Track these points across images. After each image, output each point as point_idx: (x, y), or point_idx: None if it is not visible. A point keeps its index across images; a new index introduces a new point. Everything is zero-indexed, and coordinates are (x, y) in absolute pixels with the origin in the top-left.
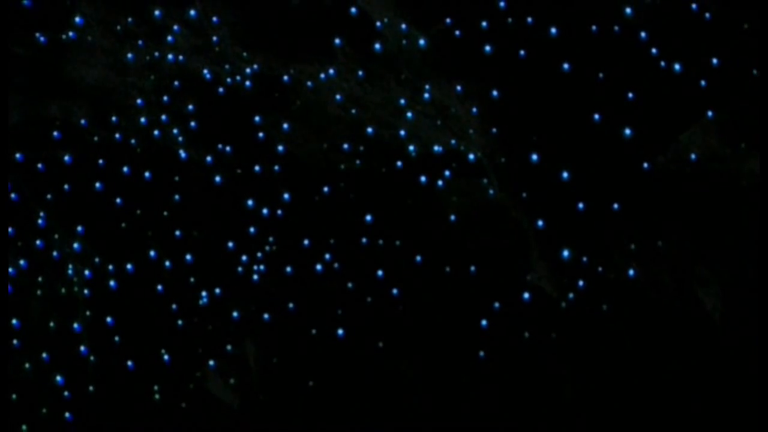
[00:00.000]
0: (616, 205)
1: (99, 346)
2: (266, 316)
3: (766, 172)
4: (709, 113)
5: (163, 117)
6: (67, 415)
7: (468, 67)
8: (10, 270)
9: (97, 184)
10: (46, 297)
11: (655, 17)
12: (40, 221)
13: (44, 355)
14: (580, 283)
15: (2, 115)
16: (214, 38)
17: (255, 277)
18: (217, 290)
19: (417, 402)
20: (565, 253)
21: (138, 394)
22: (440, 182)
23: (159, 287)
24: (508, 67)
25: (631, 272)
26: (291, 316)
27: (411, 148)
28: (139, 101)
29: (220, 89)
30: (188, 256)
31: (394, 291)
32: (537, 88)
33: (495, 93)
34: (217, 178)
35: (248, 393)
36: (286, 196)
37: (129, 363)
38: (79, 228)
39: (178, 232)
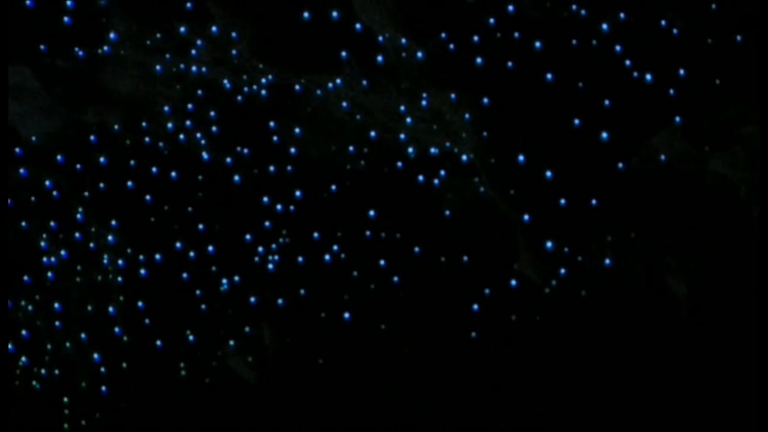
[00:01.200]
0: (594, 201)
1: (131, 328)
2: (280, 301)
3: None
4: (677, 119)
5: (188, 122)
6: (103, 388)
7: (461, 78)
8: (53, 259)
9: (129, 183)
10: (84, 284)
11: (629, 33)
12: (78, 216)
13: (83, 335)
14: (562, 271)
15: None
16: (234, 52)
17: (270, 266)
18: (236, 278)
19: (415, 377)
20: (549, 244)
21: (166, 371)
22: (436, 181)
23: (184, 275)
24: (497, 77)
25: (607, 261)
26: (302, 302)
27: (410, 149)
28: (166, 108)
29: (239, 97)
30: (210, 248)
31: (395, 279)
32: (523, 96)
33: (485, 100)
34: (236, 177)
35: (264, 370)
36: (297, 193)
37: (158, 342)
38: (113, 222)
39: (201, 226)
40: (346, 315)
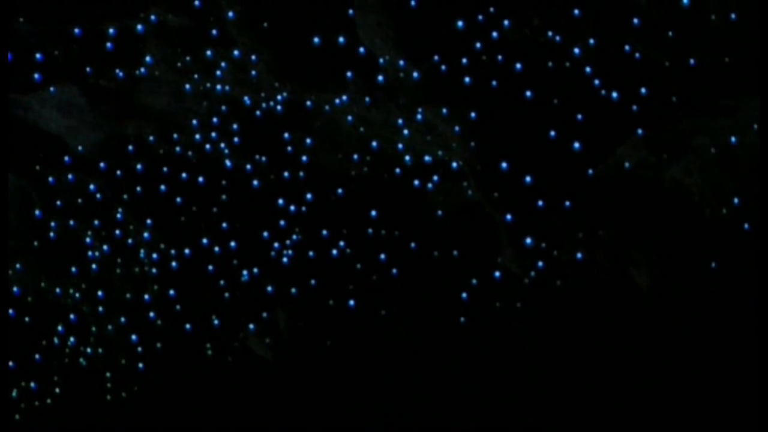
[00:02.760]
0: (567, 203)
1: (164, 313)
2: (294, 290)
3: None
4: (639, 131)
5: (213, 134)
6: (140, 365)
7: (452, 95)
8: (97, 253)
9: (162, 187)
10: (123, 275)
11: (597, 56)
12: (118, 216)
13: (122, 319)
14: (540, 263)
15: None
16: (253, 72)
17: (285, 260)
18: (255, 270)
19: (411, 355)
20: (528, 240)
21: (194, 350)
22: (430, 185)
23: (210, 267)
24: (483, 94)
25: (579, 255)
26: (313, 290)
27: (407, 158)
28: (194, 122)
29: (258, 112)
30: (232, 243)
31: (394, 271)
32: (506, 111)
33: (473, 115)
34: (255, 182)
35: (280, 349)
36: (308, 196)
37: (187, 326)
38: (149, 221)
39: (224, 224)
40: (351, 302)
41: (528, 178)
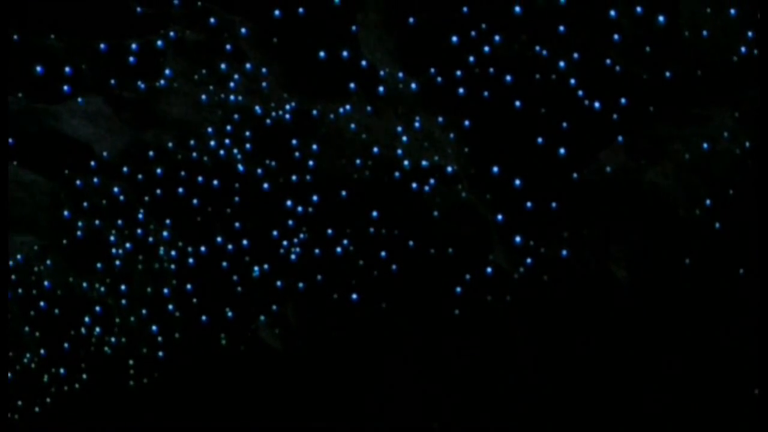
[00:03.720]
0: (553, 204)
1: (182, 306)
2: (301, 285)
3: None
4: (620, 138)
5: (227, 141)
6: (159, 353)
7: (447, 104)
8: (120, 251)
9: (180, 190)
10: (144, 270)
11: (581, 70)
12: (140, 216)
13: (144, 311)
14: (528, 260)
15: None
16: (264, 84)
17: (293, 257)
18: (266, 266)
19: (408, 346)
20: (517, 239)
21: (209, 340)
22: (426, 188)
23: (224, 264)
24: (475, 104)
25: (564, 252)
26: (319, 285)
27: (405, 163)
28: (210, 130)
29: (268, 121)
30: (244, 242)
31: (393, 267)
32: (497, 120)
33: (467, 123)
34: (265, 185)
35: (289, 340)
36: (314, 198)
37: (203, 318)
38: (168, 221)
39: (237, 224)
40: (354, 296)
41: (517, 182)
